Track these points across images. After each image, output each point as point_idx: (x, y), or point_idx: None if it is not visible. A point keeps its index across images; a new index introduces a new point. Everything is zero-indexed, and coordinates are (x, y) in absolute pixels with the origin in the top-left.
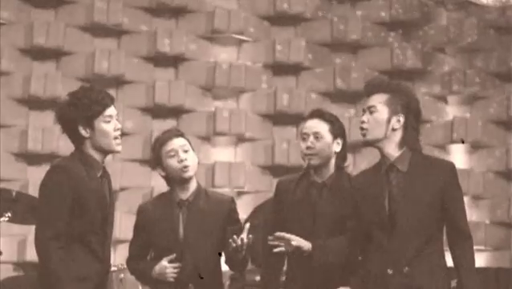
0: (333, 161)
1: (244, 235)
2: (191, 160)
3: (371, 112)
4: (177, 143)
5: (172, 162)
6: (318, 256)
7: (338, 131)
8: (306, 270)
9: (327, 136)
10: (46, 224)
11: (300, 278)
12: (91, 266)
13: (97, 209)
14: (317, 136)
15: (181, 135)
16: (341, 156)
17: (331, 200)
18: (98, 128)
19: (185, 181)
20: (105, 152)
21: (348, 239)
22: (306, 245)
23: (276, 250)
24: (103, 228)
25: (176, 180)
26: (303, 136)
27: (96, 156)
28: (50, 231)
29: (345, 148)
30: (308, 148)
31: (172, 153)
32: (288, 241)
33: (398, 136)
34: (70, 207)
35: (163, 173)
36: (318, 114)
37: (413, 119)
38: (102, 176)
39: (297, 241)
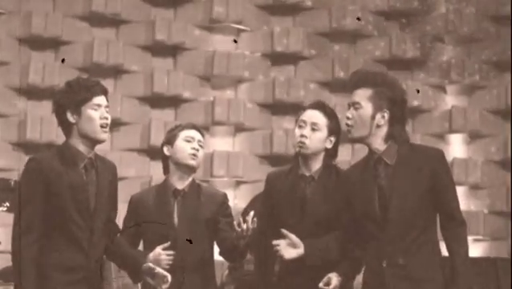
0: (322, 157)
1: (249, 220)
2: (201, 154)
3: (355, 109)
4: (197, 136)
5: (185, 146)
6: (311, 258)
7: (334, 128)
8: (300, 263)
9: (324, 130)
10: (20, 216)
11: (294, 270)
12: (74, 256)
13: (72, 201)
14: (314, 127)
15: (202, 133)
16: (330, 154)
17: (319, 193)
18: (85, 114)
19: (187, 169)
20: (91, 140)
21: (342, 235)
22: (297, 253)
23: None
24: (86, 220)
25: (179, 164)
26: (300, 124)
27: (81, 146)
28: (23, 224)
29: (336, 147)
30: (303, 136)
31: (189, 139)
32: (281, 255)
33: (383, 130)
34: (42, 199)
35: (168, 153)
36: (320, 106)
37: (399, 112)
38: (87, 167)
39: (287, 255)
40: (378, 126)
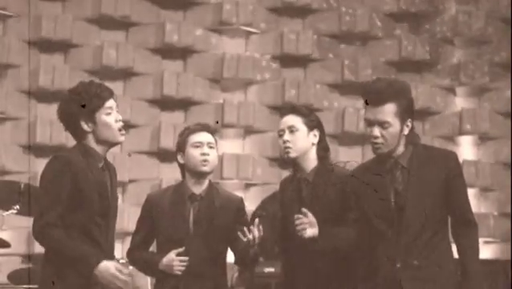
0: (313, 153)
1: (255, 229)
2: (212, 156)
3: (384, 128)
4: (206, 137)
5: (195, 152)
6: (324, 241)
7: (312, 122)
8: (316, 261)
9: (302, 128)
10: (44, 212)
11: (311, 270)
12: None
13: (96, 199)
14: (291, 129)
15: (212, 132)
16: (322, 147)
17: (314, 196)
18: (100, 121)
19: (201, 175)
20: (109, 144)
21: (354, 230)
22: (313, 233)
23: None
24: (104, 219)
25: (192, 171)
26: (280, 133)
27: (98, 148)
28: (49, 217)
29: (324, 139)
30: (284, 141)
31: (198, 144)
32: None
33: (404, 137)
34: (68, 197)
35: (182, 161)
36: (291, 109)
37: (412, 114)
38: (104, 168)
39: (304, 232)
40: (404, 136)
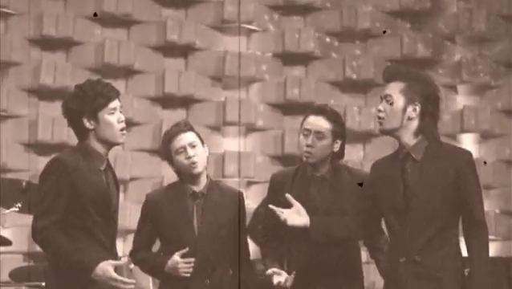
0: (329, 158)
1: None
2: (199, 155)
3: (387, 101)
4: (185, 139)
5: (181, 159)
6: (316, 232)
7: (339, 131)
8: (308, 254)
9: (328, 136)
10: (42, 215)
11: (303, 263)
12: (98, 255)
13: (97, 201)
14: (318, 135)
15: (190, 129)
16: (338, 155)
17: (331, 194)
18: (102, 119)
19: (195, 177)
20: (109, 143)
21: (354, 219)
22: (302, 222)
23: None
24: (107, 219)
25: (185, 175)
26: (305, 133)
27: (100, 148)
28: (46, 221)
29: (343, 148)
30: (308, 146)
31: (181, 150)
32: (283, 221)
33: (414, 124)
34: (67, 199)
35: (174, 168)
36: (322, 111)
37: (431, 107)
38: (106, 169)
39: (291, 220)
40: (409, 119)
